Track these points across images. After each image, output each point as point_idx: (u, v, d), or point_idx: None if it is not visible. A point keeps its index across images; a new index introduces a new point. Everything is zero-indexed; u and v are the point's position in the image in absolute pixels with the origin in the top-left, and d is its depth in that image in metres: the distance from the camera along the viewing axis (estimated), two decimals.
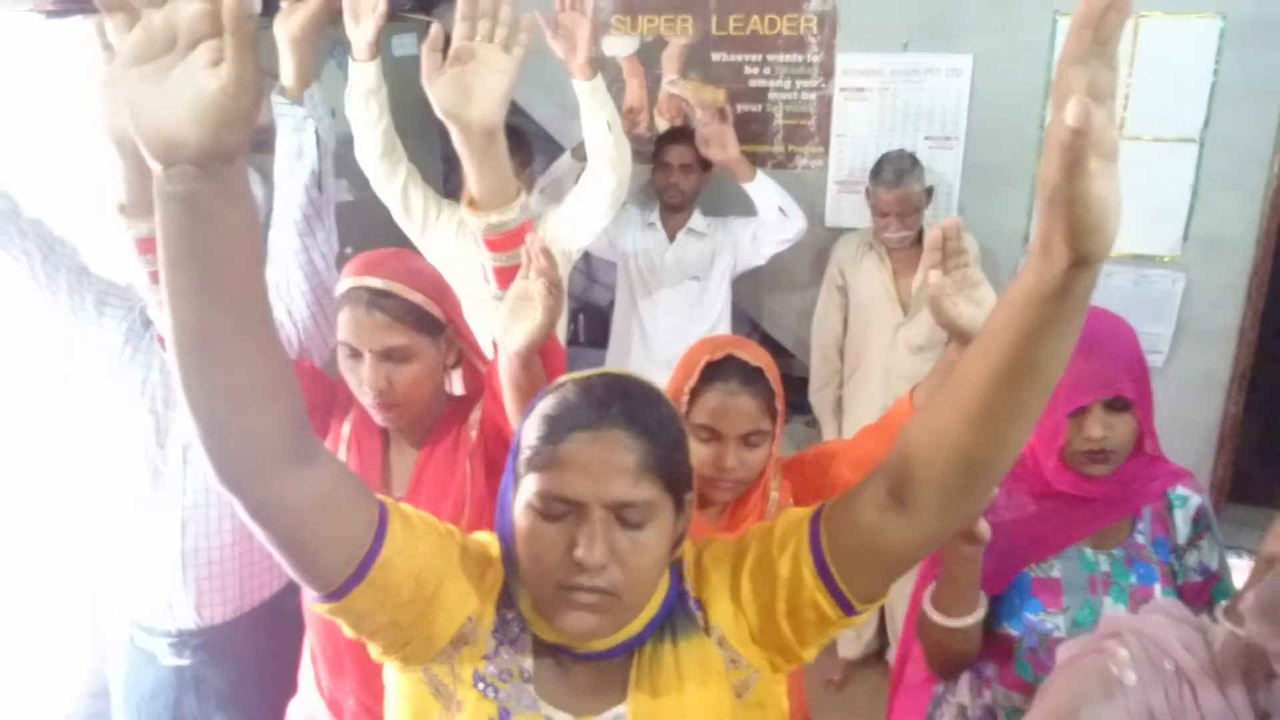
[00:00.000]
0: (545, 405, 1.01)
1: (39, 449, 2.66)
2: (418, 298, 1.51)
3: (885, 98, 3.15)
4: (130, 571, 1.82)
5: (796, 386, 3.78)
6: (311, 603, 1.00)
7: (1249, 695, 0.98)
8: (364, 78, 2.44)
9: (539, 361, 1.33)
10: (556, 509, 0.96)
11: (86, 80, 1.46)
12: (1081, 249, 0.73)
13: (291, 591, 1.93)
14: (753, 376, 1.52)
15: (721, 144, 3.00)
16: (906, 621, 1.73)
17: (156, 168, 0.75)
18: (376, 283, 1.49)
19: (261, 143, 2.86)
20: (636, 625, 1.02)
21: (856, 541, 0.98)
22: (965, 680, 1.64)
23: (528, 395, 1.33)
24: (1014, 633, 1.54)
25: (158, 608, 1.80)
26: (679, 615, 1.05)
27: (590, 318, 4.00)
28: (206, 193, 0.76)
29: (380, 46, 2.42)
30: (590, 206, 2.58)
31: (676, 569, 1.08)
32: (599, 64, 2.46)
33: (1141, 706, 1.02)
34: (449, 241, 2.65)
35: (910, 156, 2.90)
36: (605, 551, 0.94)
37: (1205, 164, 2.87)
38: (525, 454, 0.99)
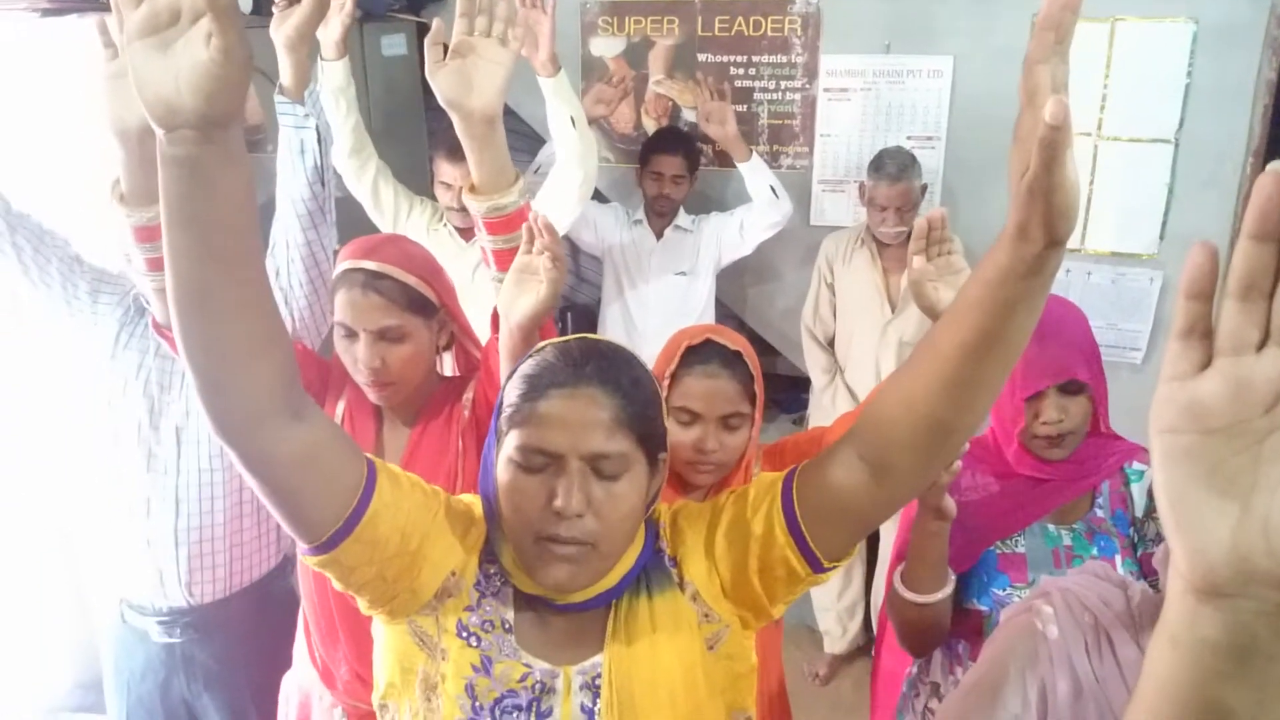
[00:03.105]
0: (526, 367, 1.07)
1: (19, 445, 2.69)
2: (412, 280, 1.56)
3: (868, 98, 3.19)
4: (123, 551, 1.85)
5: (783, 385, 3.82)
6: (302, 555, 1.04)
7: None
8: (333, 76, 2.51)
9: (538, 337, 1.37)
10: (536, 461, 1.01)
11: (89, 75, 1.50)
12: (1057, 231, 0.80)
13: (280, 572, 1.97)
14: (731, 360, 1.55)
15: (721, 120, 3.08)
16: (882, 610, 1.77)
17: (159, 132, 0.82)
18: (372, 265, 1.54)
19: (252, 143, 2.92)
20: (613, 579, 1.06)
21: (827, 501, 1.02)
22: (938, 659, 1.68)
23: None
24: (983, 608, 1.59)
25: (149, 586, 1.84)
26: (655, 571, 1.10)
27: (578, 315, 4.03)
28: (204, 156, 0.82)
29: (349, 45, 2.49)
30: (559, 200, 2.64)
31: (653, 528, 1.13)
32: (560, 61, 2.52)
33: (1063, 658, 1.07)
34: (420, 236, 2.71)
35: (909, 153, 2.94)
36: (582, 501, 0.99)
37: (1180, 164, 2.91)
38: (507, 412, 1.05)
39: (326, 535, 1.00)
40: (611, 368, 1.04)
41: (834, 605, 3.27)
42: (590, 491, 1.00)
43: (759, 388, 1.59)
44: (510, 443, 1.03)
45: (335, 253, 1.77)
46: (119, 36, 1.46)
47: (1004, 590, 1.57)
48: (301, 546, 1.03)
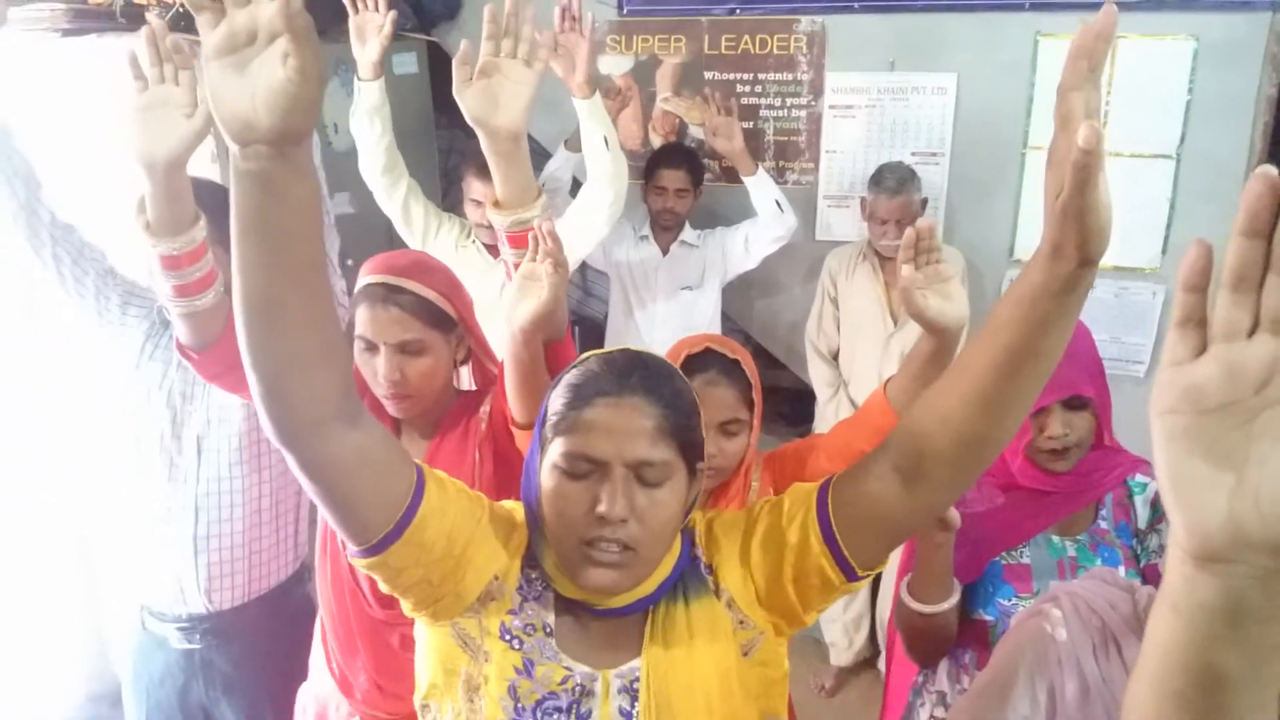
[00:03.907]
0: (571, 376, 1.10)
1: (40, 455, 2.72)
2: (431, 294, 1.59)
3: (873, 115, 3.23)
4: (143, 558, 1.89)
5: (788, 398, 3.84)
6: (351, 558, 1.07)
7: None
8: (368, 96, 2.54)
9: (539, 343, 1.42)
10: (581, 468, 1.04)
11: (118, 107, 1.52)
12: (1090, 251, 0.83)
13: (298, 579, 2.00)
14: (730, 368, 1.59)
15: (728, 134, 3.11)
16: (890, 626, 1.79)
17: (234, 148, 0.85)
18: (393, 280, 1.58)
19: None
20: (651, 585, 1.09)
21: (862, 511, 1.05)
22: (944, 668, 1.70)
23: (527, 373, 1.42)
24: (988, 618, 1.61)
25: (169, 593, 1.87)
26: (691, 578, 1.12)
27: (586, 330, 4.07)
28: (277, 170, 0.85)
29: (382, 66, 2.52)
30: (588, 219, 2.66)
31: (689, 536, 1.16)
32: (595, 82, 2.56)
33: (1071, 660, 1.10)
34: (448, 253, 2.73)
35: (908, 168, 2.98)
36: (625, 506, 1.02)
37: (1182, 179, 2.95)
38: (552, 420, 1.08)
39: (377, 538, 1.03)
40: (655, 378, 1.07)
41: (840, 617, 3.29)
42: (633, 498, 1.03)
43: (757, 395, 1.63)
44: (555, 449, 1.06)
45: (348, 265, 1.80)
46: (149, 69, 1.49)
47: (1009, 601, 1.60)
48: (351, 549, 1.06)
